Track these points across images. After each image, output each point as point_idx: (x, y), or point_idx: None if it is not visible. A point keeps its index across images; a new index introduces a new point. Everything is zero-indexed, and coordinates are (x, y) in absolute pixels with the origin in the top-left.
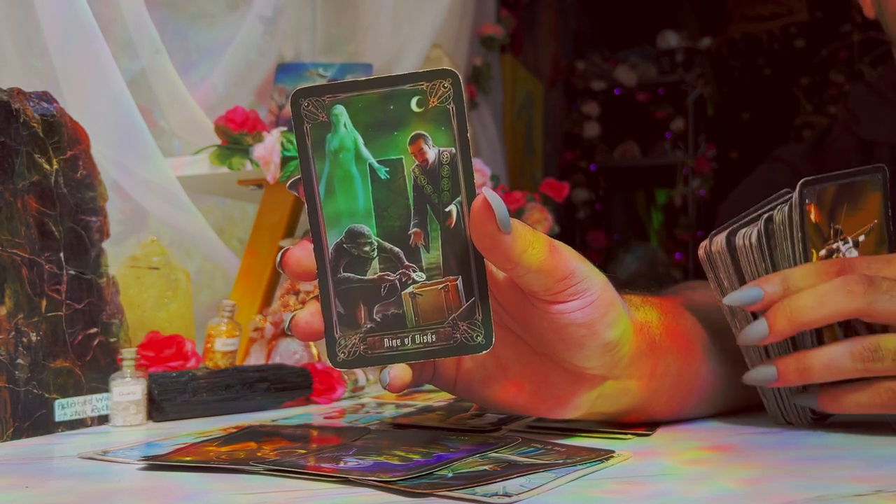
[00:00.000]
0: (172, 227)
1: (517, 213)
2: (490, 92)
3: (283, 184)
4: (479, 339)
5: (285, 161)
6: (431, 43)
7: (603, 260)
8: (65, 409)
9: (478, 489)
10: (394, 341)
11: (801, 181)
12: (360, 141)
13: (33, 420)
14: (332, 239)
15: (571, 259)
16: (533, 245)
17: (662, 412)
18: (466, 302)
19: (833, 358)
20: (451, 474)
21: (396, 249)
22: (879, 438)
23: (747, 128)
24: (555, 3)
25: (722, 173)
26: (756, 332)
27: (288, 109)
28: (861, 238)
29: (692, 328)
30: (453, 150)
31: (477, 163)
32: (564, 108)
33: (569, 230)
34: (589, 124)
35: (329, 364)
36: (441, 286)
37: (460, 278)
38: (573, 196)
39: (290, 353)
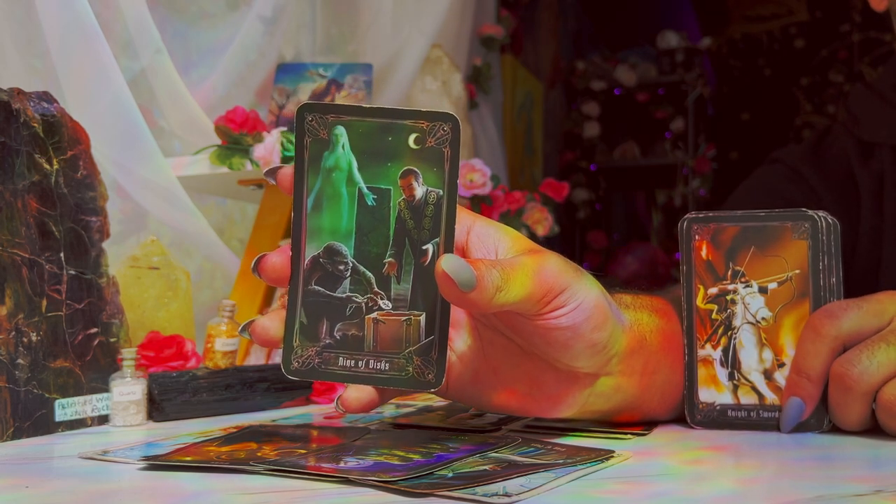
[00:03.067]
0: (172, 227)
1: (517, 214)
2: (490, 92)
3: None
4: (430, 376)
5: (285, 161)
6: (431, 43)
7: (603, 260)
8: (65, 409)
9: (478, 489)
10: (348, 361)
11: (686, 216)
12: (355, 164)
13: (33, 420)
14: (310, 251)
15: (547, 276)
16: (501, 289)
17: (656, 410)
18: (425, 339)
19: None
20: (451, 474)
21: (369, 274)
22: (879, 438)
23: (747, 128)
24: (555, 3)
25: (722, 173)
26: (794, 412)
27: (288, 109)
28: (772, 286)
29: (680, 325)
30: (441, 192)
31: (477, 163)
32: (564, 108)
33: (569, 230)
34: (589, 124)
35: (283, 371)
36: (404, 318)
37: (424, 315)
38: (573, 196)
39: None
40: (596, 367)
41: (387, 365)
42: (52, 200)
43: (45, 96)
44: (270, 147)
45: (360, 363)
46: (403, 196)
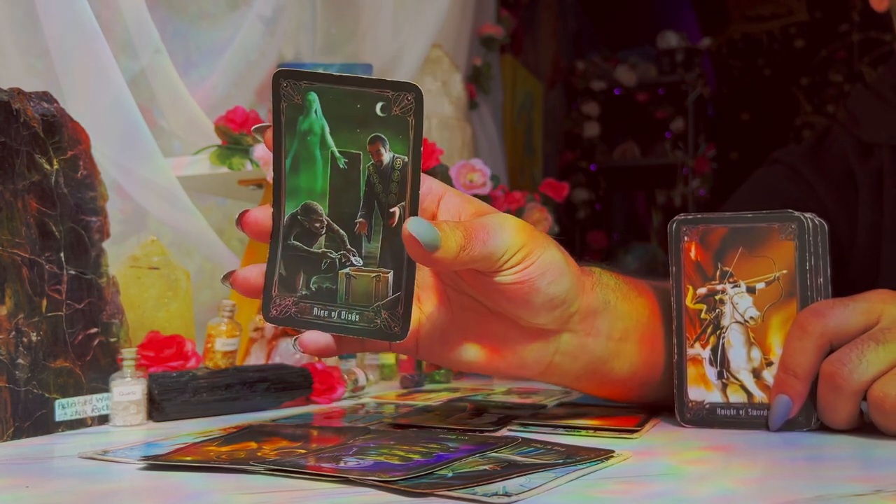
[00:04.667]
0: (172, 227)
1: (517, 214)
2: (490, 92)
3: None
4: (396, 329)
5: None
6: (431, 43)
7: (603, 260)
8: (65, 408)
9: (478, 489)
10: (322, 311)
11: (675, 218)
12: (327, 129)
13: (33, 420)
14: (289, 209)
15: (507, 236)
16: (464, 248)
17: (628, 383)
18: (392, 294)
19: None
20: (451, 474)
21: (342, 232)
22: (879, 438)
23: (747, 128)
24: (555, 3)
25: (722, 173)
26: (782, 410)
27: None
28: (760, 286)
29: (657, 302)
30: (406, 159)
31: (477, 163)
32: (564, 108)
33: (569, 230)
34: (589, 124)
35: (262, 316)
36: (373, 275)
37: (392, 273)
38: (573, 196)
39: (290, 353)
40: (558, 324)
41: (357, 317)
42: (52, 200)
43: (45, 96)
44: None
45: (332, 314)
46: (372, 161)
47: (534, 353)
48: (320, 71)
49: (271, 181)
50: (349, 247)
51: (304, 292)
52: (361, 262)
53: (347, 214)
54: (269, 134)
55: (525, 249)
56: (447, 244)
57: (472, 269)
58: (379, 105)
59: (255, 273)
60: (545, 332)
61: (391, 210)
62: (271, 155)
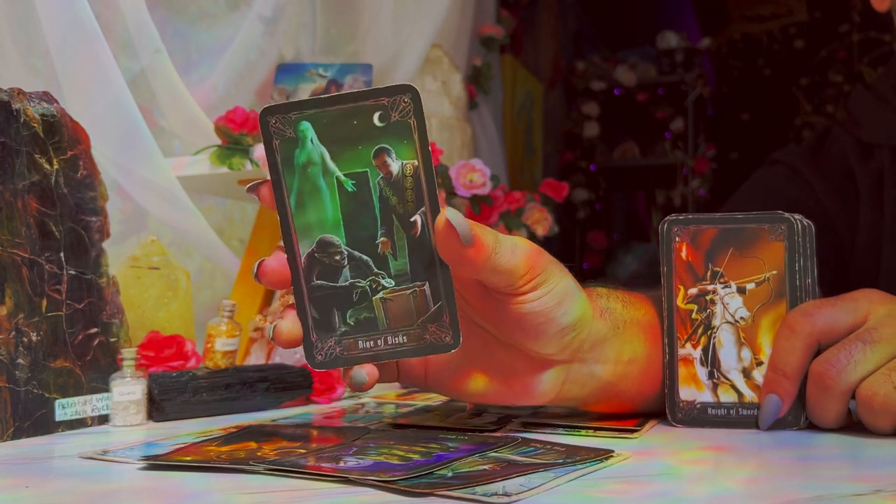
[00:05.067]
0: (172, 227)
1: (517, 214)
2: (490, 92)
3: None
4: (448, 339)
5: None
6: (431, 43)
7: (603, 260)
8: (65, 408)
9: (478, 489)
10: (368, 342)
11: (666, 219)
12: (327, 155)
13: (33, 420)
14: (304, 249)
15: (531, 253)
16: (495, 251)
17: (635, 399)
18: (434, 305)
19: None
20: (451, 474)
21: (365, 258)
22: (879, 438)
23: (747, 128)
24: (555, 3)
25: (721, 174)
26: (772, 409)
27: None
28: (750, 286)
29: (657, 317)
30: (416, 162)
31: (477, 163)
32: (564, 108)
33: (569, 230)
34: (589, 124)
35: (310, 366)
36: (409, 291)
37: (427, 284)
38: (573, 196)
39: (291, 352)
40: (567, 354)
41: (404, 338)
42: (52, 200)
43: (45, 96)
44: None
45: (378, 342)
46: (381, 175)
47: (543, 384)
48: (305, 98)
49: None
50: (376, 270)
51: (343, 329)
52: (393, 282)
53: (366, 237)
54: (265, 190)
55: (544, 276)
56: (481, 242)
57: (487, 298)
58: (376, 115)
59: (295, 323)
60: (554, 362)
61: (412, 220)
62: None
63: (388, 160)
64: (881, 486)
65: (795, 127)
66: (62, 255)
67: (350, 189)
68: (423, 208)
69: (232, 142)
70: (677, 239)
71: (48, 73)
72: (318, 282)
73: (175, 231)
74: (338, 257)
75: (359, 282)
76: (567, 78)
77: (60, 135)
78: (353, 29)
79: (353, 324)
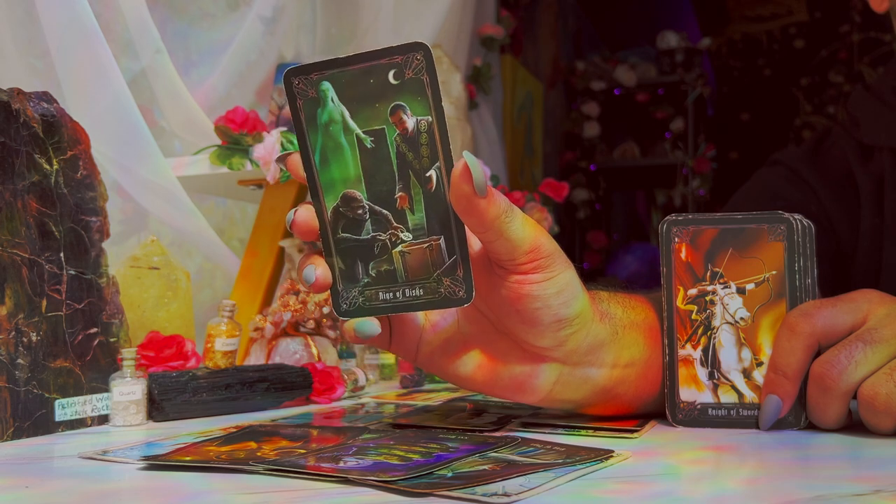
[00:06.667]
0: (172, 227)
1: None
2: (490, 92)
3: (284, 184)
4: (461, 293)
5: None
6: (431, 43)
7: (603, 260)
8: (65, 408)
9: (477, 489)
10: (387, 294)
11: (666, 219)
12: (347, 114)
13: (33, 420)
14: (329, 203)
15: (540, 235)
16: (506, 213)
17: (632, 403)
18: (449, 259)
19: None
20: (450, 474)
21: (385, 212)
22: (879, 438)
23: (747, 128)
24: (555, 4)
25: (721, 174)
26: (772, 409)
27: (288, 110)
28: (750, 287)
29: (657, 320)
30: (430, 118)
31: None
32: (564, 108)
33: (569, 230)
34: (589, 124)
35: (336, 313)
36: (426, 245)
37: (443, 238)
38: (573, 196)
39: (290, 353)
40: (563, 353)
41: (421, 290)
42: (52, 200)
43: (45, 96)
44: (270, 147)
45: (397, 294)
46: (397, 132)
47: (533, 379)
48: (327, 59)
49: (305, 180)
50: (395, 224)
51: (365, 280)
52: (411, 236)
53: (386, 192)
54: (293, 158)
55: (550, 258)
56: (494, 198)
57: (489, 275)
58: (391, 73)
59: (324, 270)
60: (547, 358)
61: (427, 175)
62: (273, 158)
63: (404, 116)
64: (881, 486)
65: (795, 127)
66: (62, 255)
67: (369, 146)
68: (437, 164)
69: (232, 142)
70: (677, 239)
71: (48, 73)
72: (343, 234)
73: (175, 231)
74: (360, 211)
75: (380, 235)
76: (567, 78)
77: (60, 135)
78: (353, 29)
79: (374, 275)
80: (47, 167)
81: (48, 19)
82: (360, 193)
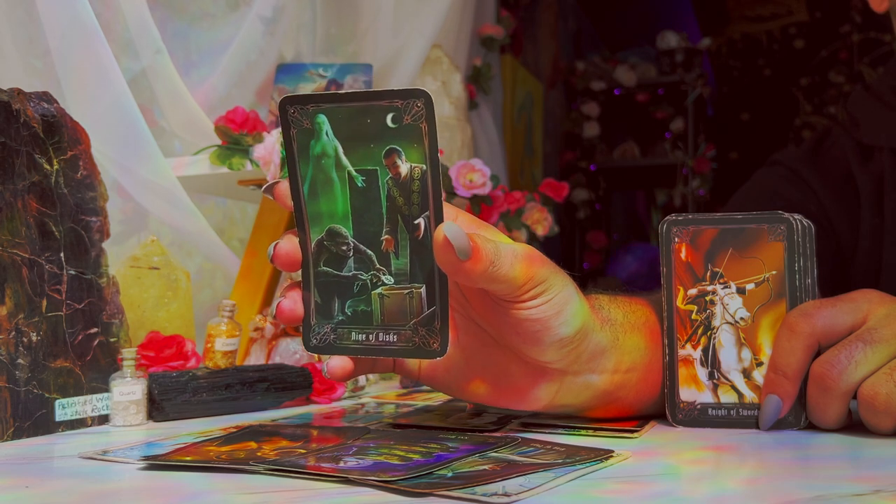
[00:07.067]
0: (173, 227)
1: (517, 214)
2: (490, 92)
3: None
4: (436, 345)
5: (285, 161)
6: (431, 43)
7: (603, 260)
8: (65, 408)
9: (477, 489)
10: (360, 335)
11: (666, 219)
12: (340, 149)
13: (33, 420)
14: (314, 235)
15: (531, 266)
16: (493, 264)
17: (633, 406)
18: (428, 310)
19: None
20: (450, 474)
21: (369, 252)
22: (879, 438)
23: (747, 128)
24: (555, 4)
25: (721, 174)
26: (772, 409)
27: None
28: (750, 287)
29: (658, 322)
30: (424, 167)
31: (477, 163)
32: (564, 109)
33: (568, 230)
34: (589, 124)
35: (303, 347)
36: (406, 292)
37: (425, 287)
38: (573, 196)
39: (290, 353)
40: (564, 364)
41: (395, 337)
42: (52, 200)
43: (45, 96)
44: (270, 147)
45: (370, 336)
46: (390, 175)
47: (535, 390)
48: (324, 92)
49: (292, 209)
50: (378, 266)
51: (340, 318)
52: (392, 280)
53: (372, 233)
54: (280, 189)
55: (545, 285)
56: (480, 255)
57: (487, 298)
58: (389, 116)
59: (298, 302)
60: (549, 370)
61: (416, 222)
62: (273, 158)
63: (398, 161)
64: (881, 486)
65: (795, 127)
66: (62, 255)
67: (360, 185)
68: (427, 213)
69: (232, 142)
70: (677, 239)
71: (48, 73)
72: (324, 268)
73: (175, 231)
74: (344, 247)
75: (361, 274)
76: (567, 78)
77: (60, 135)
78: (353, 29)
79: (350, 314)
80: (47, 167)
81: (48, 19)
82: (346, 230)
